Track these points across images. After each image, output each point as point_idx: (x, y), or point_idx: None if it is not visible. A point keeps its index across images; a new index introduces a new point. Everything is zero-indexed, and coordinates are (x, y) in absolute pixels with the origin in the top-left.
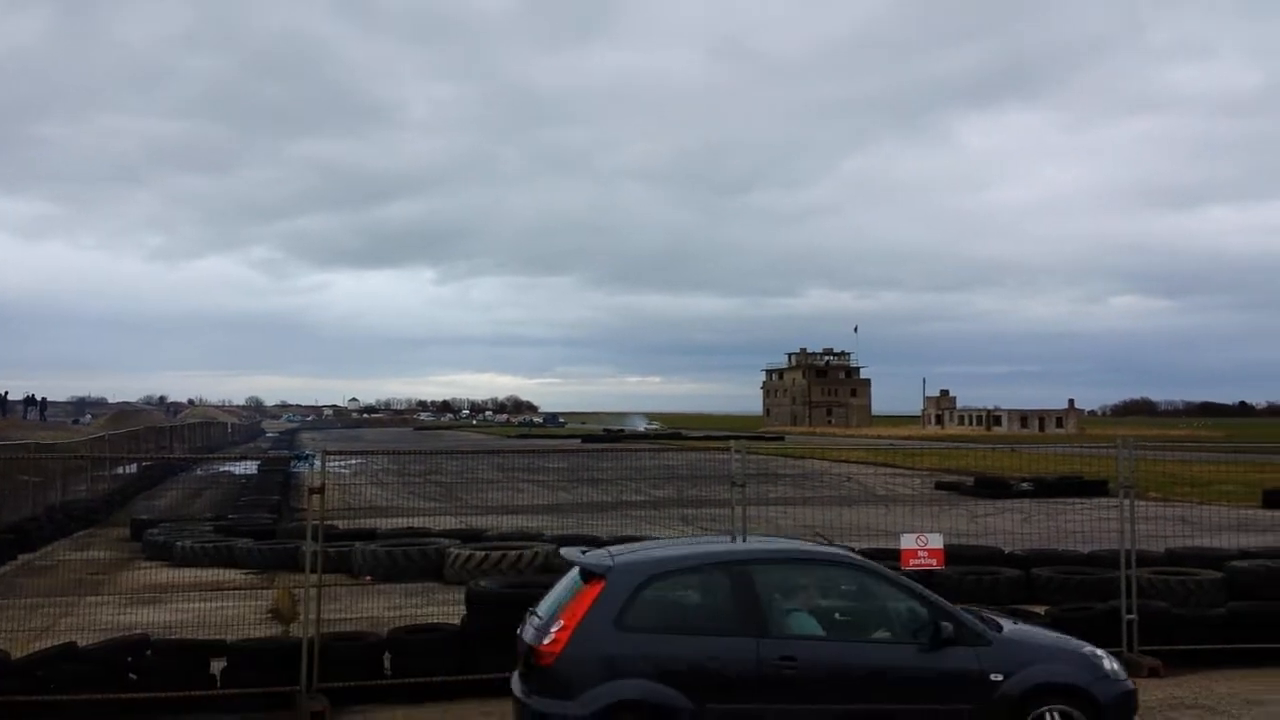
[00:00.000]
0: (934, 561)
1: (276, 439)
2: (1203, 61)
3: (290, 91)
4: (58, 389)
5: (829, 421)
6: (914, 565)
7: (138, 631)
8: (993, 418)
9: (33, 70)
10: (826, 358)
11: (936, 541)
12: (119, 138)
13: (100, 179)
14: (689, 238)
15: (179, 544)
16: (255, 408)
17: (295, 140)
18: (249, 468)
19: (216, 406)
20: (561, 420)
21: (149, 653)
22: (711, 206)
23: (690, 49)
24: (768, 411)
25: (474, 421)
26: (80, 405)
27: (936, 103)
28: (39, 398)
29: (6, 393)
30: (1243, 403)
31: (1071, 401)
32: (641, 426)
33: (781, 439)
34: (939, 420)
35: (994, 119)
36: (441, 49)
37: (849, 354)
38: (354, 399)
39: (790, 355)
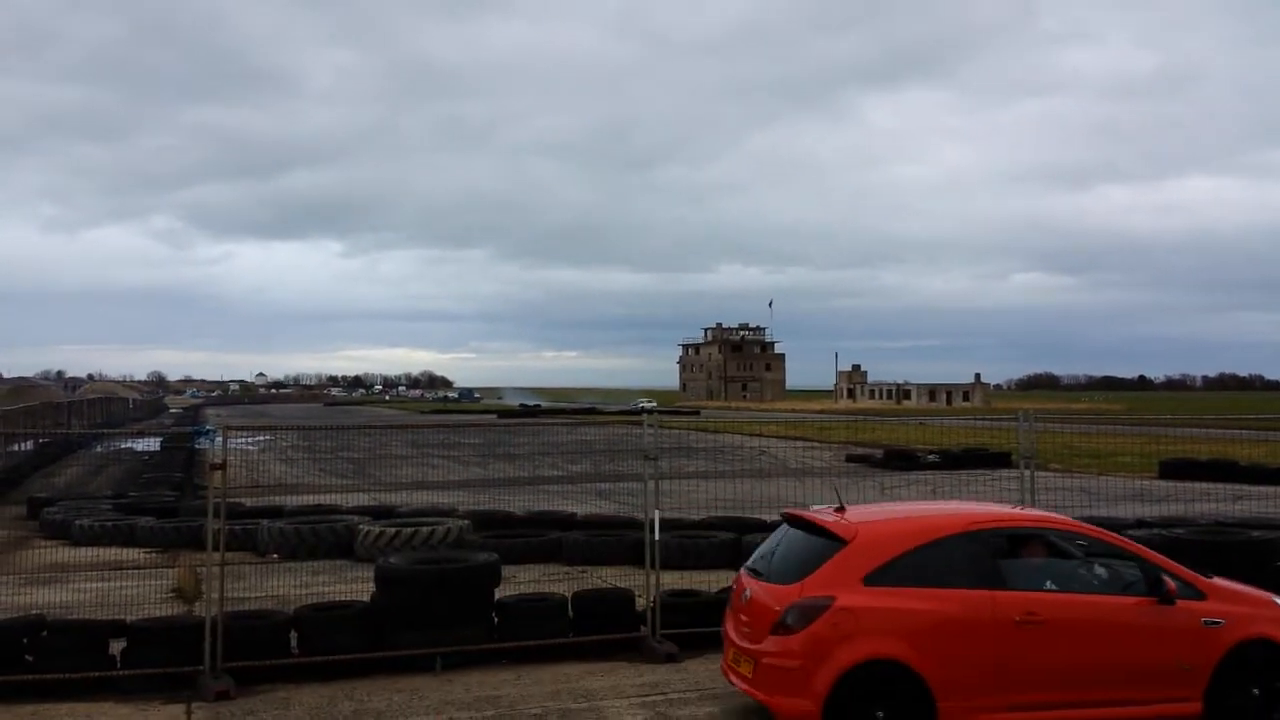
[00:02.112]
0: None
1: (180, 415)
2: (1095, 46)
3: (186, 57)
4: None
5: (744, 396)
6: None
7: (34, 612)
8: (902, 392)
9: None
10: (742, 333)
11: None
12: (7, 104)
13: None
14: (598, 213)
15: (78, 523)
16: (158, 383)
17: (194, 107)
18: (151, 444)
19: (117, 382)
20: (477, 395)
21: (45, 634)
22: (619, 182)
23: (591, 24)
24: (684, 386)
25: (386, 397)
26: None
27: (839, 82)
28: None
29: None
30: (1142, 376)
31: (978, 376)
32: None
33: (697, 413)
34: (851, 394)
35: (896, 99)
36: (341, 17)
37: (764, 329)
38: (261, 374)
39: (706, 330)
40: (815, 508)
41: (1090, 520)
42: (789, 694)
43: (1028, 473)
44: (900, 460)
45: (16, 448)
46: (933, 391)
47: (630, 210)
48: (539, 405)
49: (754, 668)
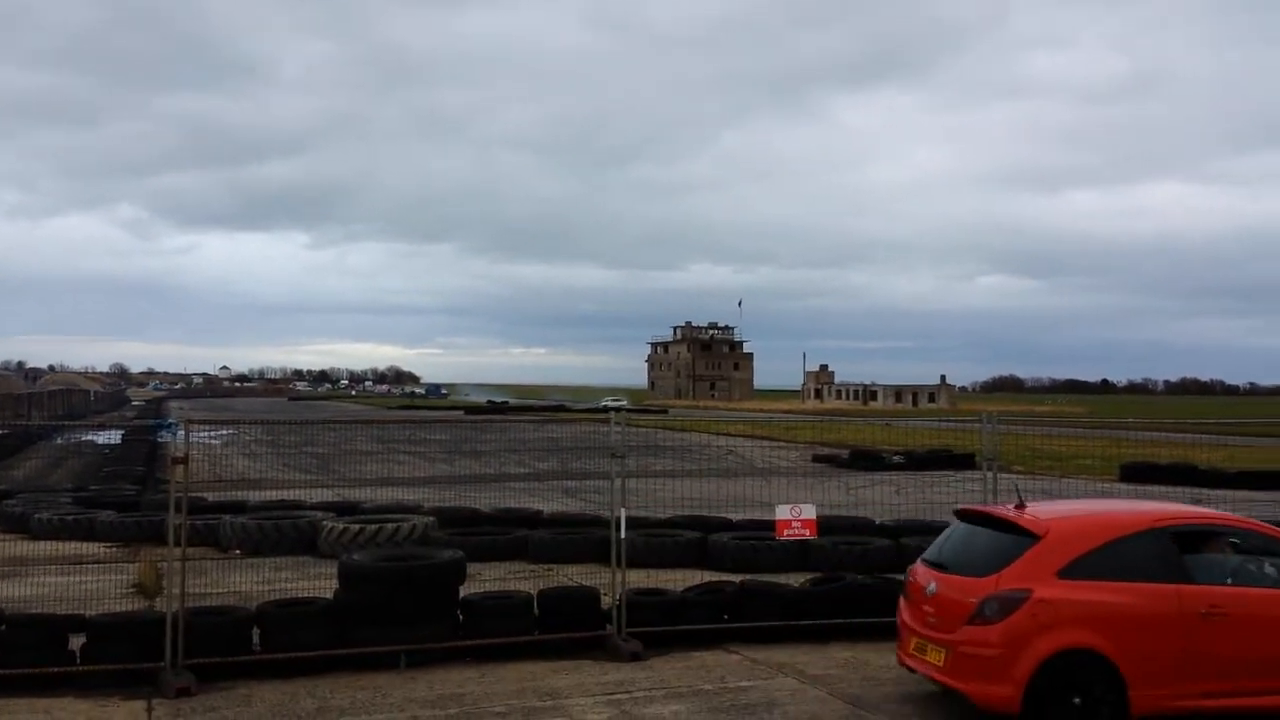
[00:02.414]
0: (806, 531)
1: (142, 408)
2: (1065, 51)
3: (155, 43)
4: None
5: (713, 395)
6: (788, 535)
7: None
8: (869, 392)
9: None
10: (711, 331)
11: (810, 512)
12: None
13: None
14: (569, 208)
15: (37, 516)
16: (120, 375)
17: (162, 94)
18: (112, 437)
19: (79, 373)
20: (444, 391)
21: (3, 628)
22: (590, 177)
23: (566, 15)
24: (653, 385)
25: (353, 392)
26: None
27: (812, 82)
28: None
29: None
30: (1105, 380)
31: (943, 377)
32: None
33: (665, 412)
34: (818, 394)
35: (867, 100)
36: (315, 5)
37: (733, 328)
38: (225, 367)
39: (676, 328)
40: (993, 505)
41: None
42: (988, 681)
43: (991, 474)
44: (866, 461)
45: None
46: (899, 392)
47: (601, 206)
48: (506, 402)
49: (947, 656)
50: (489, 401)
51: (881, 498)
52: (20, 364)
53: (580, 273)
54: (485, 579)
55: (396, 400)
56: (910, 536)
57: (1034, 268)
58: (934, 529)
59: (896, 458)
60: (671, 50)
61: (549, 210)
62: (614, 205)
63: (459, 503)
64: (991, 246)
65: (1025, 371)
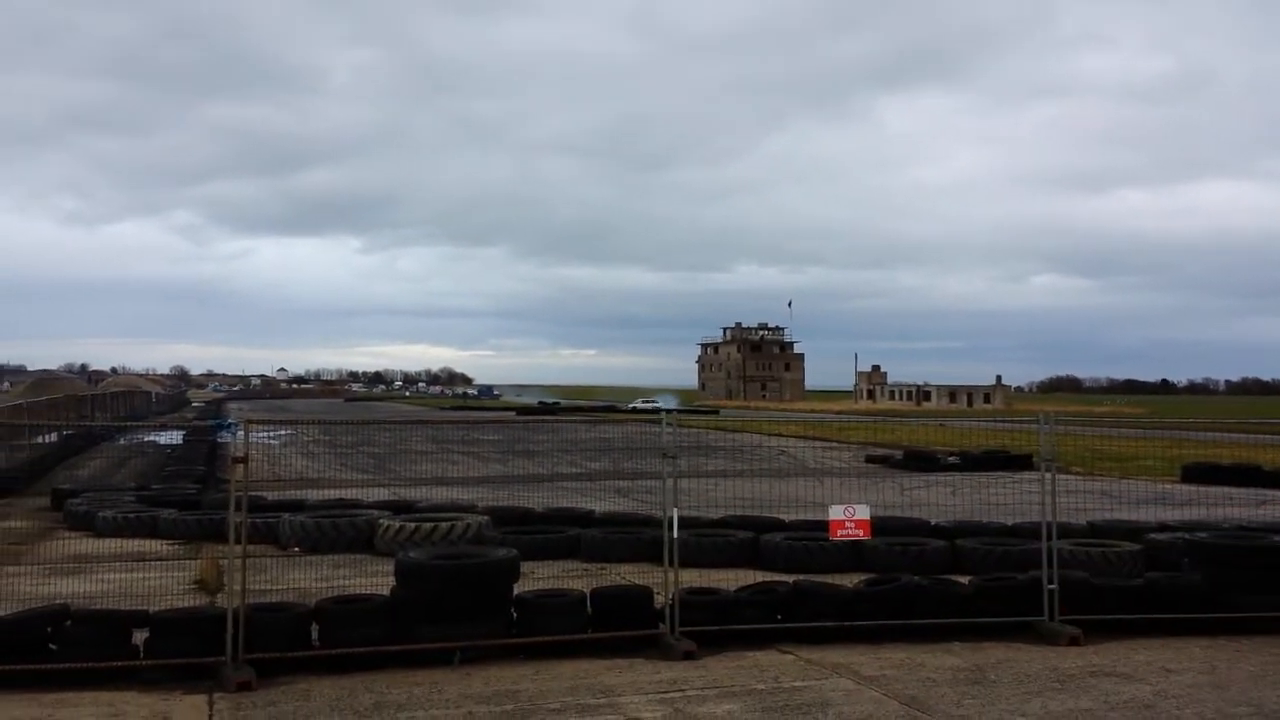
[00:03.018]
0: (860, 532)
1: (202, 409)
2: (1110, 49)
3: (204, 54)
4: None
5: (763, 395)
6: (841, 536)
7: (58, 601)
8: (922, 393)
9: None
10: (761, 332)
11: (863, 513)
12: (27, 99)
13: (9, 141)
14: (614, 212)
15: (102, 514)
16: (180, 377)
17: (212, 104)
18: (174, 437)
19: (140, 375)
20: (496, 393)
21: (69, 623)
22: (634, 181)
23: (606, 21)
24: (703, 385)
25: (406, 393)
26: None
27: (855, 84)
28: None
29: None
30: (1164, 380)
31: (999, 377)
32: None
33: (716, 413)
34: (871, 395)
35: (911, 101)
36: (357, 15)
37: (783, 329)
38: (282, 369)
39: (725, 329)
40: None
41: (1111, 524)
42: None
43: (1049, 475)
44: (920, 461)
45: (41, 440)
46: (953, 393)
47: (646, 209)
48: (557, 403)
49: None
50: (540, 402)
51: (936, 499)
52: (83, 367)
53: (628, 275)
54: (538, 577)
55: (449, 401)
56: (966, 538)
57: (1086, 267)
58: (991, 531)
59: (951, 459)
60: (709, 55)
61: (594, 214)
62: (659, 208)
63: (512, 502)
64: (1042, 246)
65: (1082, 371)
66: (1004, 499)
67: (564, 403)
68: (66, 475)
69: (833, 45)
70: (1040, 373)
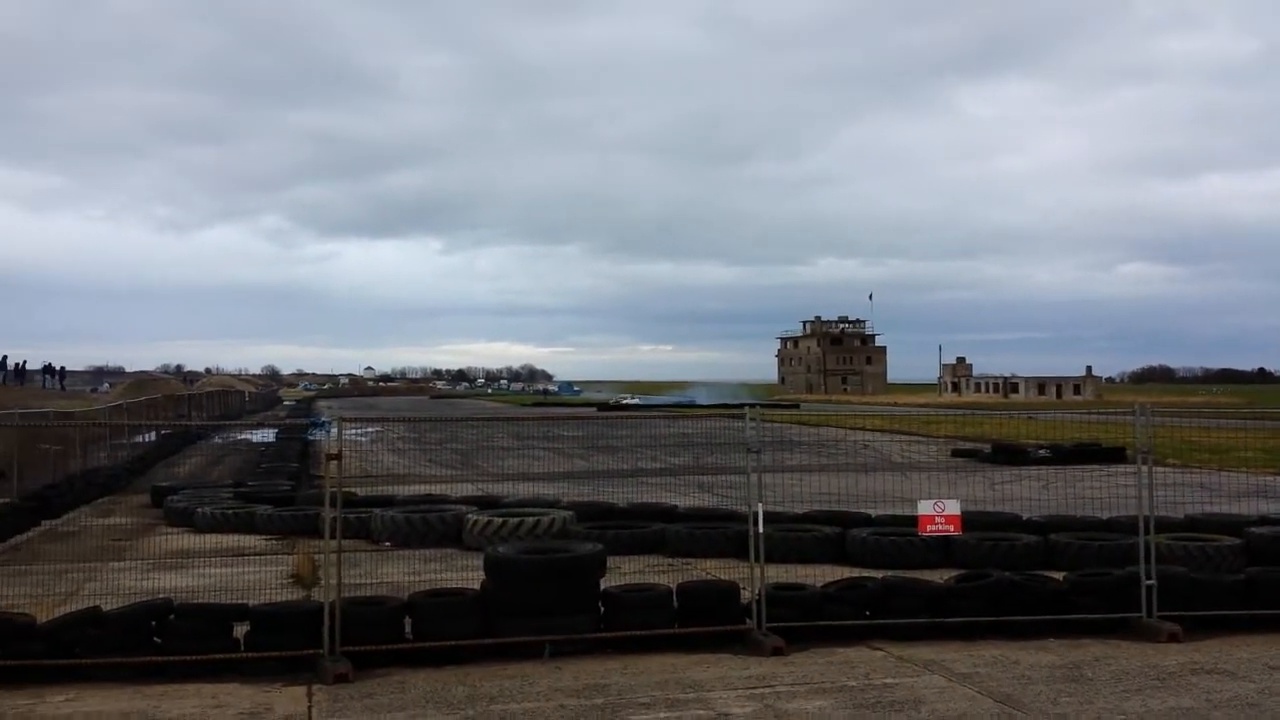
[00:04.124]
0: (951, 527)
1: (293, 407)
2: (1196, 31)
3: (287, 62)
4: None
5: (845, 389)
6: (931, 531)
7: (161, 596)
8: (1009, 385)
9: (33, 44)
10: (841, 325)
11: (954, 508)
12: (120, 110)
13: (104, 151)
14: (690, 207)
15: (200, 510)
16: (272, 376)
17: (296, 111)
18: (267, 435)
19: (233, 375)
20: (577, 389)
21: (173, 617)
22: (711, 176)
23: (680, 18)
24: (783, 380)
25: (489, 390)
26: (98, 374)
27: (934, 73)
28: (57, 367)
29: (25, 362)
30: (1262, 369)
31: (1089, 368)
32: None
33: (797, 407)
34: (956, 388)
35: (991, 89)
36: (433, 20)
37: (864, 322)
38: (369, 368)
39: (805, 323)
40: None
41: (1210, 518)
42: None
43: (1145, 468)
44: (1009, 455)
45: (140, 439)
46: (1042, 384)
47: (723, 204)
48: (633, 399)
49: None
50: (618, 400)
51: (1027, 493)
52: (179, 368)
53: (705, 270)
54: (624, 572)
55: (529, 398)
56: (1060, 533)
57: (1175, 254)
58: (1085, 525)
59: (1042, 451)
60: (784, 49)
61: (671, 210)
62: (735, 203)
63: (595, 497)
64: (1129, 234)
65: (1174, 361)
66: (1097, 493)
67: (631, 399)
68: (165, 473)
69: (910, 35)
70: (1131, 363)
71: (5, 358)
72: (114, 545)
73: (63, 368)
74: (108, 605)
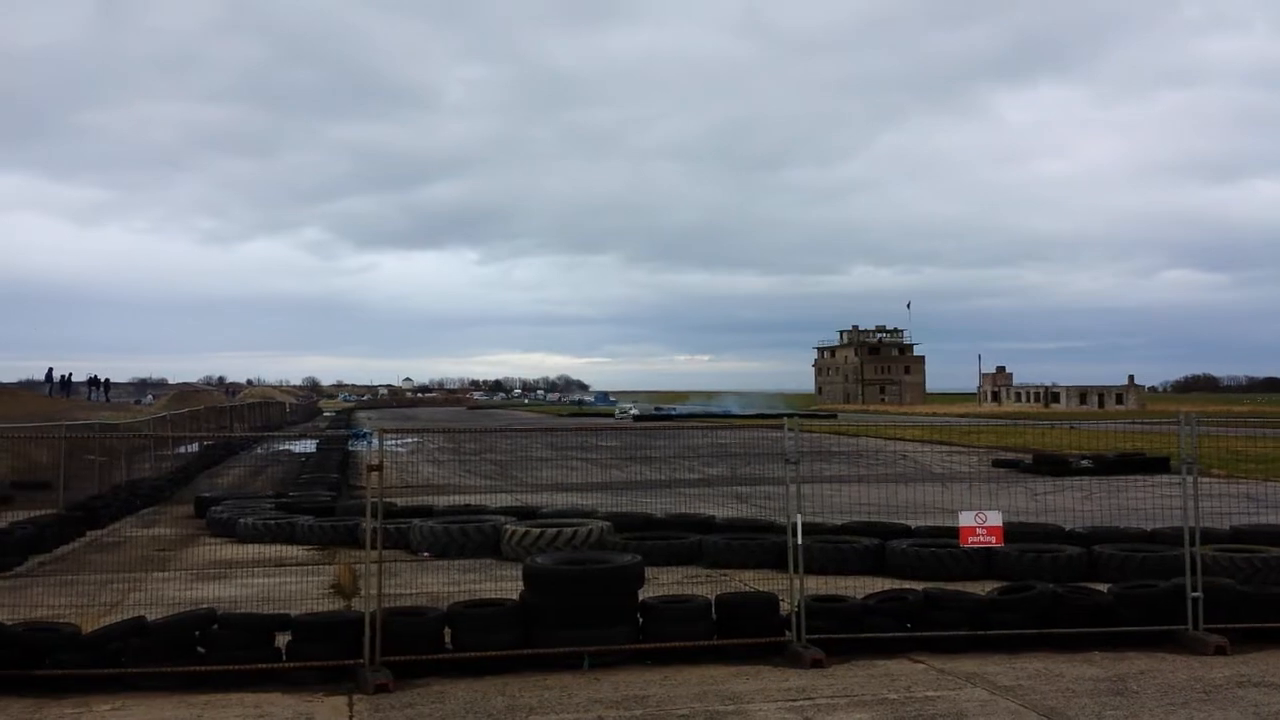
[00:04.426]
0: (993, 539)
1: (334, 418)
2: (1238, 34)
3: (326, 76)
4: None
5: (883, 399)
6: (973, 543)
7: (204, 606)
8: (1050, 394)
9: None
10: (879, 335)
11: (995, 519)
12: (163, 124)
13: (148, 164)
14: (725, 215)
15: (242, 521)
16: (312, 387)
17: (335, 124)
18: (308, 446)
19: (274, 386)
20: (613, 399)
21: (216, 627)
22: (745, 184)
23: (712, 26)
24: (820, 389)
25: (526, 401)
26: (142, 386)
27: (968, 77)
28: (102, 379)
29: (70, 374)
30: None
31: (1131, 377)
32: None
33: (834, 417)
34: (995, 397)
35: (1027, 93)
36: (469, 32)
37: (902, 331)
38: (408, 378)
39: (842, 332)
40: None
41: (1257, 529)
42: None
43: (1190, 478)
44: (1051, 465)
45: (183, 449)
46: (1083, 394)
47: (758, 212)
48: (672, 409)
49: None
50: (656, 408)
51: (1070, 504)
52: (221, 379)
53: (741, 279)
54: (661, 583)
55: (566, 409)
56: (1104, 544)
57: (1219, 261)
58: (1129, 537)
59: (1084, 462)
60: (819, 55)
61: (706, 218)
62: (770, 211)
63: (631, 508)
64: (1170, 240)
65: (1219, 369)
66: (1141, 503)
67: (632, 410)
68: (208, 484)
69: (946, 39)
70: (1174, 371)
71: (51, 370)
72: (158, 555)
73: (108, 379)
74: (152, 615)
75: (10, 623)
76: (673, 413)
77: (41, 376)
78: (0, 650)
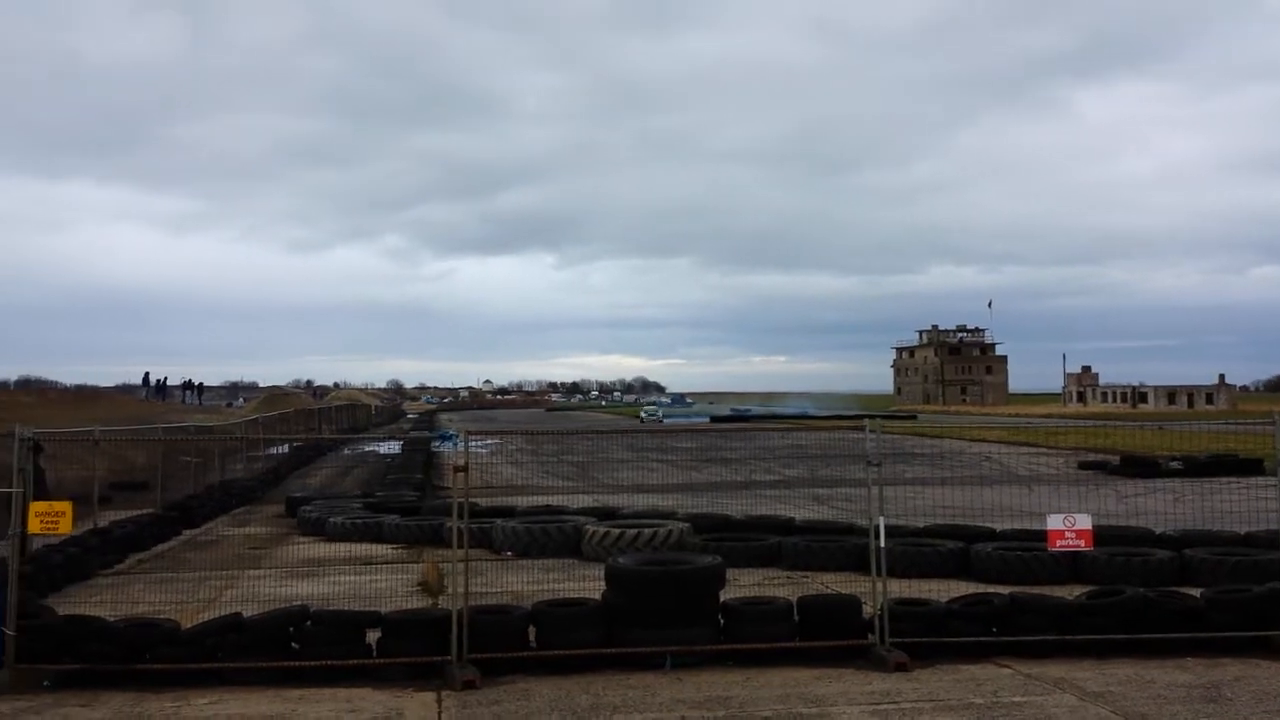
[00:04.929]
0: (1082, 542)
1: (417, 420)
2: None
3: (406, 87)
4: (212, 374)
5: (964, 400)
6: (1060, 546)
7: (298, 603)
8: (1138, 394)
9: (170, 75)
10: (959, 334)
11: (1084, 522)
12: (253, 136)
13: (238, 175)
14: (800, 217)
15: (331, 520)
16: (395, 390)
17: (415, 134)
18: (393, 447)
19: (359, 389)
20: (689, 401)
21: (309, 623)
22: (820, 185)
23: (785, 29)
24: (899, 390)
25: (602, 403)
26: (233, 389)
27: (1049, 75)
28: (196, 382)
29: (166, 378)
30: None
31: (1222, 376)
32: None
33: (914, 418)
34: (1081, 398)
35: (1106, 90)
36: (544, 40)
37: (983, 330)
38: (487, 381)
39: (921, 332)
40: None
41: None
42: None
43: None
44: (1139, 467)
45: (274, 451)
46: (1172, 394)
47: (832, 213)
48: (750, 410)
49: None
50: (733, 409)
51: (1158, 507)
52: (309, 382)
53: (816, 280)
54: (741, 584)
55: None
56: (1195, 548)
57: None
58: (1221, 540)
59: (1174, 464)
60: (892, 55)
61: (780, 220)
62: (845, 212)
63: (709, 509)
64: (1260, 236)
65: None
66: (1234, 506)
67: (736, 410)
68: (298, 484)
69: (1023, 36)
70: (1266, 370)
71: (148, 374)
72: (251, 553)
73: (201, 383)
74: (247, 612)
75: (112, 619)
76: (748, 414)
77: (138, 381)
78: (102, 645)
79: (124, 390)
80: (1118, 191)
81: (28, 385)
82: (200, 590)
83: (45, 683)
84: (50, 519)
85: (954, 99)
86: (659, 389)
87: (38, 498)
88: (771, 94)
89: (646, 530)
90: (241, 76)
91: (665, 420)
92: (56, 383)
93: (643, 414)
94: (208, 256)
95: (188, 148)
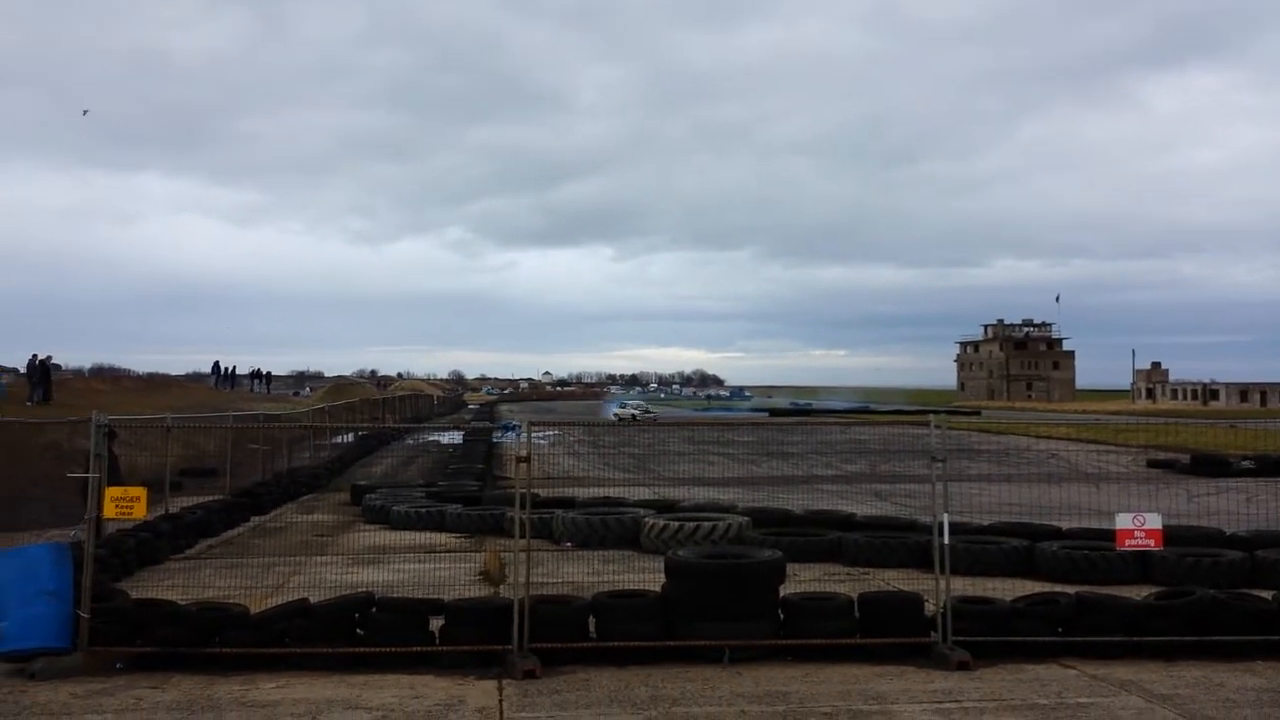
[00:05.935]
0: (1151, 542)
1: (478, 410)
2: None
3: (467, 81)
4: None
5: (1029, 396)
6: (1129, 546)
7: (363, 590)
8: (1209, 391)
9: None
10: (1025, 329)
11: (1154, 522)
12: (315, 130)
13: (302, 169)
14: (860, 209)
15: (395, 509)
16: (457, 381)
17: (476, 127)
18: (455, 438)
19: (422, 380)
20: (748, 394)
21: (374, 610)
22: (880, 177)
23: (842, 20)
24: (962, 386)
25: (661, 395)
26: (300, 379)
27: (1116, 65)
28: (264, 371)
29: (235, 367)
30: None
31: None
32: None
33: (978, 414)
34: (1150, 394)
35: (1175, 80)
36: (602, 34)
37: (1050, 325)
38: (547, 372)
39: (986, 326)
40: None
41: None
42: None
43: None
44: (1210, 466)
45: (340, 440)
46: (1244, 391)
47: (894, 205)
48: (809, 405)
49: None
50: (792, 403)
51: (1231, 507)
52: (373, 372)
53: (877, 273)
54: (801, 580)
55: (700, 403)
56: (1268, 549)
57: None
58: None
59: (1246, 463)
60: (954, 46)
61: (840, 213)
62: (907, 204)
63: (769, 503)
64: None
65: None
66: None
67: (796, 404)
68: (362, 472)
69: (1088, 26)
70: None
71: (217, 363)
72: (317, 540)
73: (269, 372)
74: (314, 597)
75: (183, 603)
76: (808, 408)
77: (208, 369)
78: (173, 628)
79: (195, 379)
80: (1187, 183)
81: (101, 373)
82: (268, 576)
83: (118, 665)
84: (125, 504)
85: (1017, 89)
86: (718, 382)
87: (111, 483)
88: (831, 85)
89: (706, 524)
90: (306, 72)
91: (640, 418)
92: (129, 370)
93: (614, 413)
94: (274, 248)
95: (253, 141)
